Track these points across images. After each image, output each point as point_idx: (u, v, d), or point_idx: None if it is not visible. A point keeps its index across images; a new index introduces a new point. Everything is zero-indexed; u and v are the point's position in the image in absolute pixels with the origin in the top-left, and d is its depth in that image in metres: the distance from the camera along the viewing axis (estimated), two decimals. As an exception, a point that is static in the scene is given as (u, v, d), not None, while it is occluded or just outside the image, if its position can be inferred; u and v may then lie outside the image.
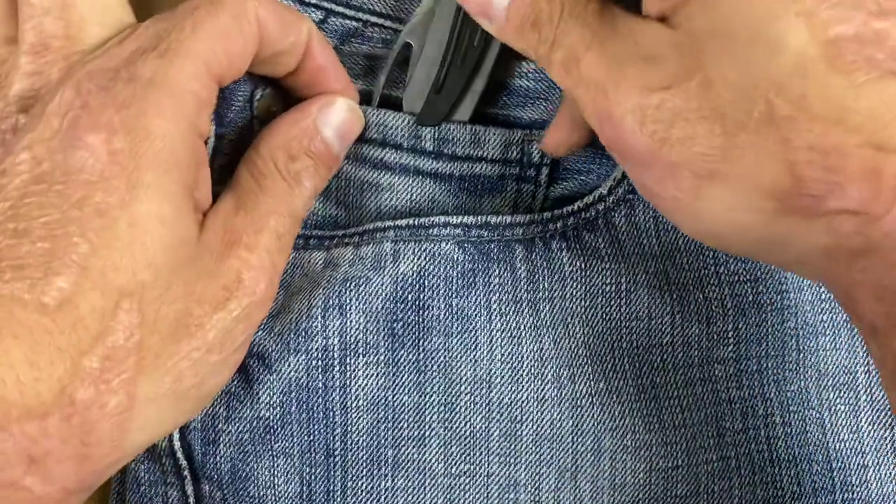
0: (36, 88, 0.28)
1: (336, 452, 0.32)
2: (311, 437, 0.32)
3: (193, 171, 0.28)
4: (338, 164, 0.32)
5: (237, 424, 0.33)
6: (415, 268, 0.33)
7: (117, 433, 0.26)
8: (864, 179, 0.22)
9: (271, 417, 0.32)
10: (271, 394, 0.33)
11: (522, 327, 0.33)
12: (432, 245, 0.33)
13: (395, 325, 0.33)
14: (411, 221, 0.33)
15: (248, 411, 0.33)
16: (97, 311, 0.25)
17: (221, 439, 0.33)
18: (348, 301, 0.33)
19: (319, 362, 0.32)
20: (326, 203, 0.34)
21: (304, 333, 0.33)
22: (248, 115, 0.33)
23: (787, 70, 0.23)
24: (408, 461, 0.33)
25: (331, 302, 0.33)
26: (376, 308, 0.33)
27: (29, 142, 0.26)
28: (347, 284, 0.33)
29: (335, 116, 0.32)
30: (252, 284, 0.29)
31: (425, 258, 0.33)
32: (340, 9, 0.33)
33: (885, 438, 0.33)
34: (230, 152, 0.32)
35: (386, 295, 0.33)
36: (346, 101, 0.32)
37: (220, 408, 0.33)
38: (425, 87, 0.33)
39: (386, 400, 0.32)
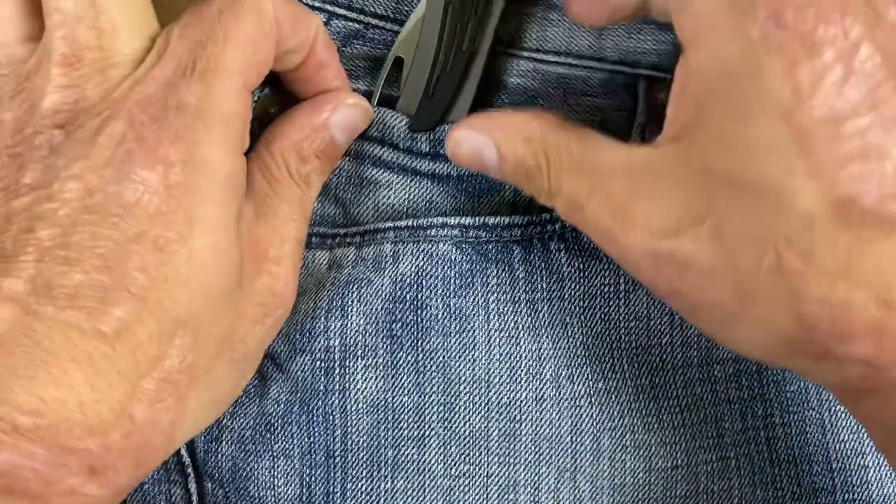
0: (70, 102, 0.28)
1: (336, 454, 0.33)
2: (311, 439, 0.33)
3: (243, 194, 0.29)
4: (339, 159, 0.33)
5: (241, 421, 0.33)
6: (413, 268, 0.33)
7: (167, 442, 0.28)
8: (870, 334, 0.23)
9: (274, 414, 0.33)
10: (279, 391, 0.33)
11: (520, 327, 0.33)
12: (430, 246, 0.33)
13: (393, 325, 0.33)
14: (411, 222, 0.33)
15: (254, 407, 0.33)
16: (154, 338, 0.26)
17: (224, 437, 0.33)
18: (350, 303, 0.33)
19: (322, 363, 0.33)
20: (326, 200, 0.35)
21: (308, 334, 0.33)
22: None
23: (795, 226, 0.24)
24: (407, 462, 0.33)
25: (334, 303, 0.33)
26: (376, 309, 0.33)
27: (80, 170, 0.26)
28: (350, 286, 0.33)
29: (344, 116, 0.32)
30: (282, 296, 0.30)
31: (424, 259, 0.33)
32: (342, 11, 0.33)
33: None
34: None
35: (386, 296, 0.33)
36: (356, 99, 0.32)
37: None
38: (417, 95, 0.33)
39: (385, 402, 0.32)
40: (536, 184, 0.29)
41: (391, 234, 0.33)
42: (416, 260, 0.33)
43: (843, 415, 0.33)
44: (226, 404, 0.31)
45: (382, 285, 0.33)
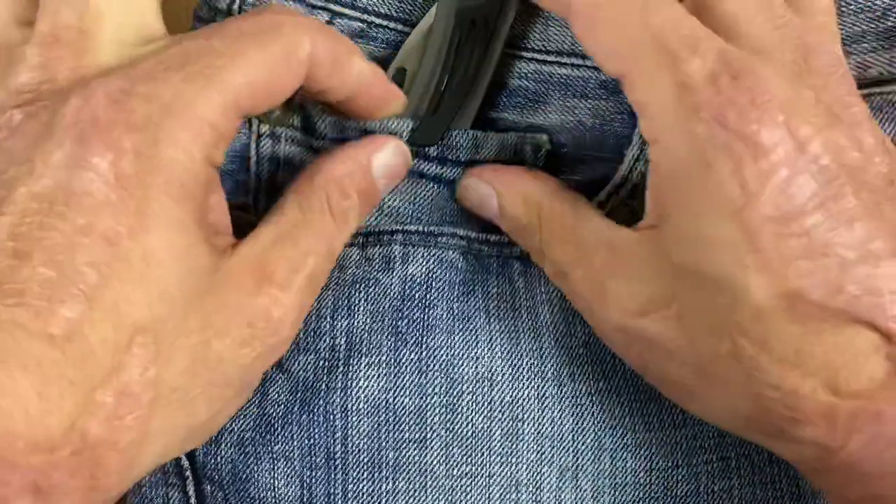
0: (36, 83, 0.26)
1: (336, 456, 0.32)
2: (312, 441, 0.32)
3: (205, 201, 0.27)
4: (376, 205, 0.32)
5: (240, 422, 0.33)
6: (424, 270, 0.33)
7: (127, 467, 0.25)
8: (821, 419, 0.24)
9: (274, 415, 0.32)
10: (279, 391, 0.33)
11: (521, 330, 0.33)
12: (440, 251, 0.34)
13: (399, 322, 0.33)
14: (421, 228, 0.34)
15: (253, 408, 0.33)
16: (109, 344, 0.24)
17: (223, 439, 0.33)
18: (357, 302, 0.33)
19: (326, 363, 0.33)
20: None
21: (313, 333, 0.33)
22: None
23: (748, 316, 0.25)
24: (409, 463, 0.33)
25: (339, 303, 0.33)
26: (383, 308, 0.33)
27: (30, 154, 0.25)
28: (356, 286, 0.33)
29: (386, 158, 0.31)
30: (278, 325, 0.27)
31: (434, 262, 0.33)
32: (346, 10, 0.33)
33: None
34: (228, 151, 0.31)
35: (394, 294, 0.33)
36: (398, 145, 0.31)
37: None
38: (420, 109, 0.33)
39: (387, 402, 0.32)
40: (529, 242, 0.31)
41: (399, 236, 0.33)
42: (426, 263, 0.33)
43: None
44: (204, 434, 0.29)
45: (391, 284, 0.33)
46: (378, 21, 0.34)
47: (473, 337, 0.33)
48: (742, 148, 0.25)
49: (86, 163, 0.24)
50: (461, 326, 0.33)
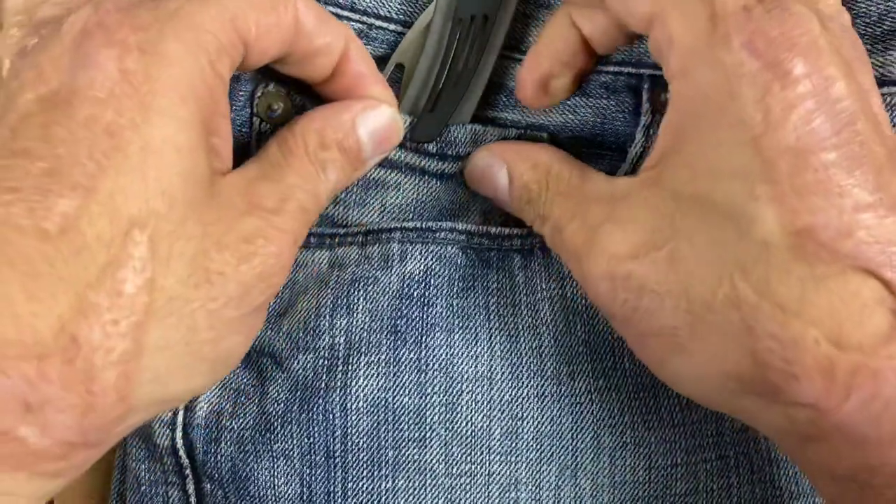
0: (58, 16, 0.26)
1: (336, 454, 0.32)
2: (311, 439, 0.32)
3: (211, 109, 0.26)
4: (365, 168, 0.31)
5: (241, 420, 0.33)
6: (422, 267, 0.33)
7: (123, 383, 0.24)
8: (819, 374, 0.23)
9: (274, 413, 0.33)
10: (279, 390, 0.33)
11: (520, 327, 0.33)
12: (439, 248, 0.34)
13: (398, 321, 0.33)
14: (419, 224, 0.34)
15: (254, 406, 0.33)
16: (104, 240, 0.23)
17: (223, 437, 0.33)
18: (356, 301, 0.33)
19: (325, 361, 0.33)
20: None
21: (312, 332, 0.33)
22: (247, 113, 0.33)
23: (752, 253, 0.24)
24: (408, 462, 0.33)
25: (339, 301, 0.33)
26: (382, 306, 0.33)
27: (36, 60, 0.25)
28: (356, 284, 0.33)
29: (375, 120, 0.31)
30: (274, 243, 0.27)
31: (432, 259, 0.33)
32: (345, 13, 0.33)
33: None
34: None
35: (393, 293, 0.33)
36: (390, 110, 0.31)
37: (226, 404, 0.33)
38: (418, 105, 0.33)
39: (386, 402, 0.32)
40: (534, 208, 0.31)
41: (398, 234, 0.34)
42: (424, 260, 0.33)
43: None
44: (210, 364, 0.27)
45: (390, 283, 0.33)
46: (378, 23, 0.34)
47: (473, 335, 0.33)
48: (770, 76, 0.24)
49: (90, 60, 0.24)
50: (461, 324, 0.33)
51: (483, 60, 0.33)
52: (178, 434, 0.33)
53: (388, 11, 0.34)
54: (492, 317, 0.33)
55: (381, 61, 0.34)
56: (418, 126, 0.33)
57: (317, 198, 0.29)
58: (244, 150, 0.33)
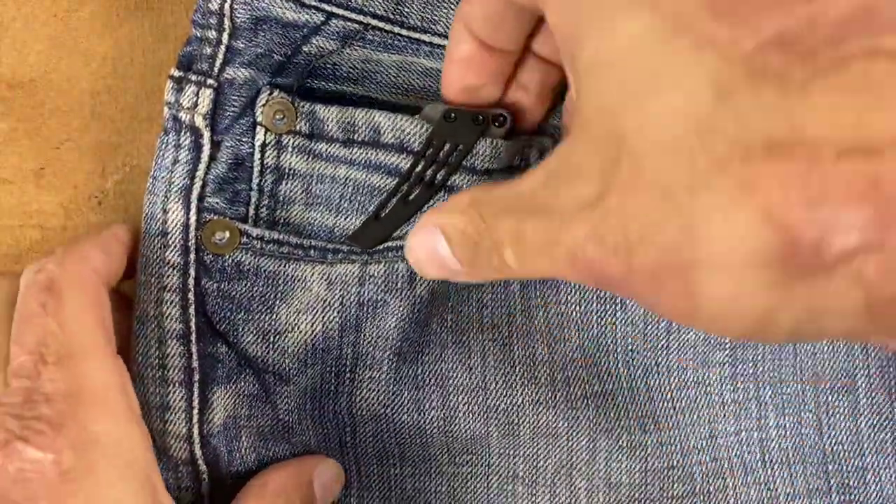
0: None
1: (347, 444, 0.34)
2: (326, 431, 0.34)
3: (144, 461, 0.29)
4: None
5: (259, 421, 0.33)
6: (429, 291, 0.33)
7: None
8: (861, 198, 0.17)
9: (290, 421, 0.33)
10: (288, 400, 0.33)
11: (514, 335, 0.34)
12: None
13: (403, 343, 0.33)
14: None
15: (269, 409, 0.33)
16: None
17: (244, 434, 0.33)
18: (364, 322, 0.33)
19: (333, 369, 0.34)
20: (326, 211, 0.34)
21: (320, 352, 0.33)
22: (249, 121, 0.32)
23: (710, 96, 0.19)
24: (413, 456, 0.34)
25: (347, 324, 0.33)
26: (388, 327, 0.33)
27: None
28: (364, 308, 0.33)
29: (326, 475, 0.33)
30: None
31: (437, 281, 0.33)
32: (341, 11, 0.32)
33: (886, 441, 0.33)
34: (227, 159, 0.32)
35: (402, 316, 0.33)
36: (335, 464, 0.33)
37: (242, 409, 0.33)
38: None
39: (387, 416, 0.34)
40: (483, 253, 0.26)
41: (402, 252, 0.32)
42: (432, 282, 0.33)
43: (841, 416, 0.33)
44: None
45: (400, 307, 0.33)
46: (374, 23, 0.33)
47: (466, 348, 0.34)
48: None
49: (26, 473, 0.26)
50: (454, 339, 0.34)
51: (437, 193, 0.32)
52: (197, 447, 0.33)
53: (385, 10, 0.32)
54: (485, 328, 0.34)
55: (378, 63, 0.33)
56: (361, 230, 0.32)
57: None
58: (248, 158, 0.32)
